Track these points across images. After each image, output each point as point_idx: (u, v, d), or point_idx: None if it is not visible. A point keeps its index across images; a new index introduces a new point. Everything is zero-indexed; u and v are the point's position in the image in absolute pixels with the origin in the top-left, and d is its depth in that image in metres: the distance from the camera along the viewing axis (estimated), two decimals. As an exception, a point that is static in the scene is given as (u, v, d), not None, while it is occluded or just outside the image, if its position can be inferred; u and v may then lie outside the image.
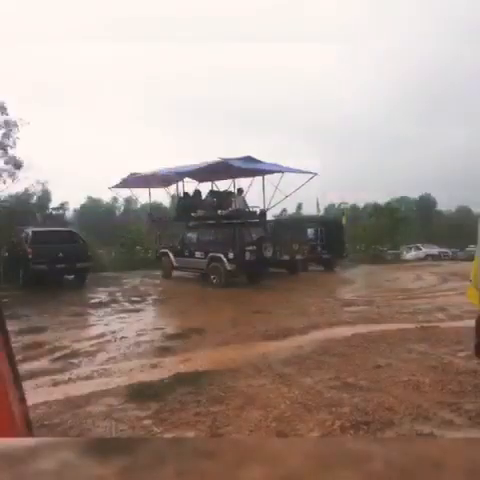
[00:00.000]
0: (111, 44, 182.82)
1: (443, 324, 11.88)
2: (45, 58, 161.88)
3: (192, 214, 22.96)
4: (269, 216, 24.17)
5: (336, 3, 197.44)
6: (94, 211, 78.00)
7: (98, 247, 35.68)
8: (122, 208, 78.29)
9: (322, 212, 43.04)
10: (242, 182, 23.96)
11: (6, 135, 29.26)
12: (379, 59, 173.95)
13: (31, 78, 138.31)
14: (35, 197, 37.40)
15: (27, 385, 5.83)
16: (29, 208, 34.56)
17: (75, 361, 9.33)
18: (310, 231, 28.04)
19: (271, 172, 22.31)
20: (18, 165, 29.82)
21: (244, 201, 22.67)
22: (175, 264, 23.25)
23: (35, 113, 72.01)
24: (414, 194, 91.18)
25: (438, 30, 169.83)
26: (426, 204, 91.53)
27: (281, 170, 22.14)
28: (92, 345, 10.62)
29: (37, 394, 7.05)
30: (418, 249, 48.82)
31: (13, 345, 1.61)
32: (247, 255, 20.00)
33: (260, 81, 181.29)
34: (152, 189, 26.08)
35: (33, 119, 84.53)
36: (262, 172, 22.49)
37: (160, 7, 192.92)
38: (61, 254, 20.04)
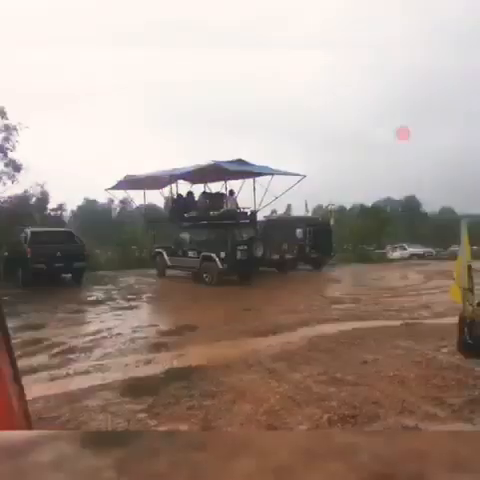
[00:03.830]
0: (110, 49, 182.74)
1: (427, 321, 11.94)
2: (45, 62, 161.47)
3: (185, 215, 23.01)
4: (259, 217, 24.22)
5: (321, 12, 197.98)
6: (91, 212, 77.66)
7: (95, 247, 35.58)
8: (118, 209, 77.91)
9: (310, 213, 43.12)
10: (233, 184, 24.03)
11: (6, 139, 29.15)
12: (364, 63, 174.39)
13: (31, 82, 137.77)
14: (34, 198, 37.19)
15: (26, 380, 5.83)
16: (28, 209, 34.39)
17: (72, 356, 9.32)
18: (299, 231, 28.01)
19: (262, 174, 22.38)
20: (17, 168, 29.72)
21: (235, 202, 22.73)
22: (169, 263, 23.28)
23: (34, 117, 71.71)
24: (399, 196, 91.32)
25: (422, 38, 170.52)
26: (411, 205, 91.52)
27: (271, 172, 22.22)
28: (89, 341, 10.61)
29: (35, 389, 7.03)
30: (403, 249, 48.90)
31: (12, 341, 1.61)
32: (238, 254, 20.07)
33: (253, 87, 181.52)
34: (147, 191, 26.14)
35: (32, 123, 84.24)
36: (253, 174, 22.54)
37: (156, 14, 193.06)
38: (59, 253, 20.04)
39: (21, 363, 8.00)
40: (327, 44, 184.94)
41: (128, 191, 26.88)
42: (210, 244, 20.83)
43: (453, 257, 9.06)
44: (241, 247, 20.22)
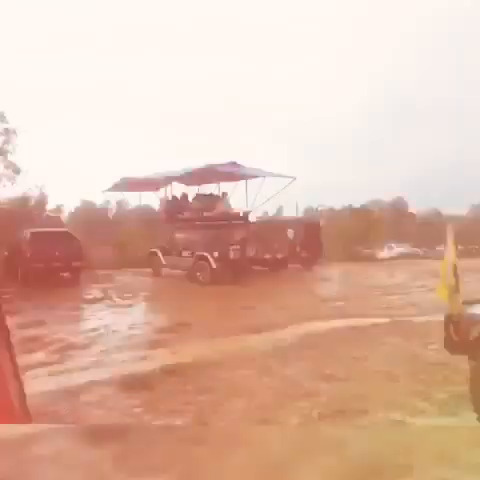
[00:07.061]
0: (107, 53, 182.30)
1: (415, 318, 11.97)
2: (43, 67, 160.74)
3: (179, 216, 23.01)
4: (252, 217, 24.24)
5: (316, 15, 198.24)
6: (88, 213, 77.57)
7: (92, 246, 35.52)
8: (114, 210, 77.73)
9: (301, 214, 43.22)
10: (226, 186, 24.06)
11: (6, 142, 28.98)
12: (355, 64, 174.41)
13: (30, 86, 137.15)
14: (33, 200, 37.09)
15: (25, 376, 5.81)
16: (27, 210, 34.28)
17: (71, 353, 9.31)
18: (290, 231, 28.00)
19: (254, 176, 22.41)
20: (17, 170, 29.54)
21: (228, 204, 22.76)
22: (164, 263, 23.23)
23: (34, 121, 71.39)
24: (388, 197, 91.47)
25: (410, 45, 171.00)
26: (399, 206, 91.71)
27: (263, 175, 22.26)
28: (86, 338, 10.60)
29: (35, 384, 7.02)
30: (391, 248, 48.98)
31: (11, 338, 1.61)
32: (231, 254, 20.08)
33: (247, 87, 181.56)
34: (142, 192, 26.10)
35: (33, 126, 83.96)
36: (245, 176, 22.58)
37: (149, 17, 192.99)
38: (57, 253, 20.02)
39: (20, 360, 8.01)
40: (320, 45, 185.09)
41: (124, 193, 26.92)
42: (204, 244, 20.82)
43: (439, 257, 9.10)
44: (234, 247, 20.23)
